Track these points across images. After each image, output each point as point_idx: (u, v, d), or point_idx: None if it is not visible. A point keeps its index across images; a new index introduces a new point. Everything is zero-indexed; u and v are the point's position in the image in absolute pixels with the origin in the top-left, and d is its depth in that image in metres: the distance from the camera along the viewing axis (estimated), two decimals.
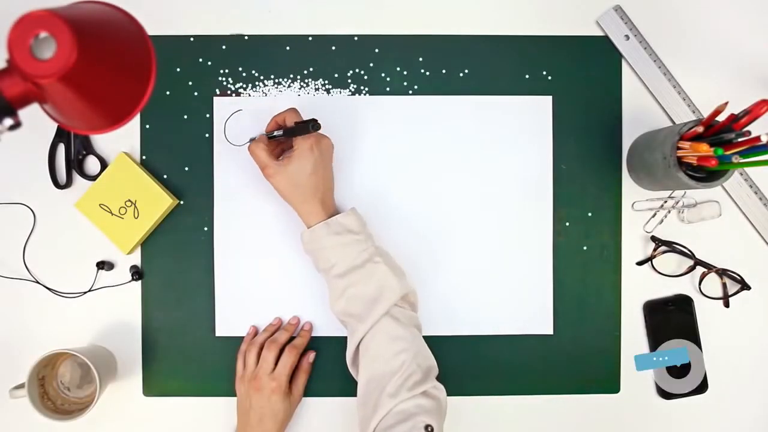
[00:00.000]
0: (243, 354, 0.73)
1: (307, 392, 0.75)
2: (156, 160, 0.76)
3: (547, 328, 0.76)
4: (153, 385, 0.76)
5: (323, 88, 0.76)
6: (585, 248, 0.76)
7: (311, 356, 0.75)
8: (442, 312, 0.76)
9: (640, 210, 0.77)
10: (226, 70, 0.76)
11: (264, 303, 0.76)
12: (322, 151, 0.67)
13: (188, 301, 0.76)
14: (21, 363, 0.70)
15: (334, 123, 0.76)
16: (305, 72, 0.76)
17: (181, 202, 0.76)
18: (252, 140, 0.72)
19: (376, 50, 0.76)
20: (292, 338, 0.75)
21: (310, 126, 0.64)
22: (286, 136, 0.68)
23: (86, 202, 0.74)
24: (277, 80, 0.76)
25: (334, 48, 0.76)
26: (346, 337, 0.75)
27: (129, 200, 0.73)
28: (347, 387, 0.76)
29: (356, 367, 0.67)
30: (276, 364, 0.71)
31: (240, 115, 0.76)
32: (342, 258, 0.65)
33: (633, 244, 0.77)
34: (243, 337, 0.75)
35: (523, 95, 0.76)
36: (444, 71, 0.76)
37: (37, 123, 0.51)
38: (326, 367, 0.76)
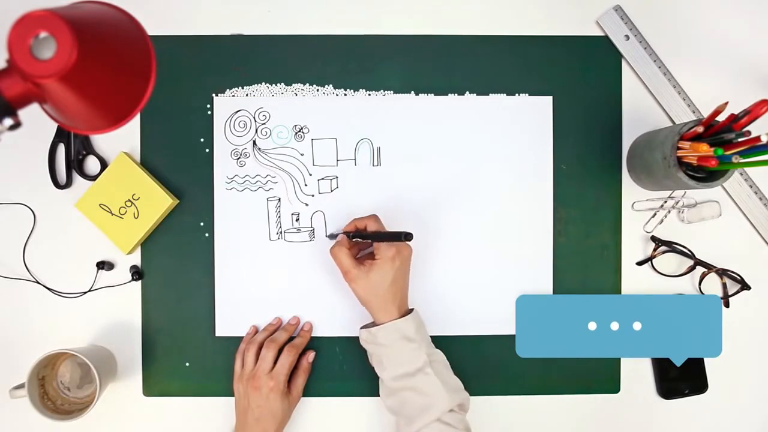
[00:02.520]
0: (242, 353, 0.73)
1: (307, 392, 0.75)
2: (156, 160, 0.76)
3: None
4: (153, 385, 0.76)
5: (323, 87, 0.76)
6: (585, 248, 0.76)
7: (310, 356, 0.75)
8: (443, 312, 0.76)
9: (640, 210, 0.77)
10: (226, 70, 0.76)
11: (264, 303, 0.76)
12: (403, 261, 0.68)
13: (188, 301, 0.76)
14: (21, 363, 0.70)
15: (333, 123, 0.76)
16: (305, 72, 0.76)
17: (181, 202, 0.76)
18: (332, 237, 0.74)
19: (376, 50, 0.76)
20: (291, 338, 0.75)
21: (403, 236, 0.64)
22: (372, 240, 0.68)
23: (86, 202, 0.74)
24: (276, 80, 0.76)
25: (334, 48, 0.76)
26: (345, 337, 0.75)
27: (129, 200, 0.73)
28: (346, 387, 0.76)
29: None
30: (275, 363, 0.71)
31: (240, 116, 0.76)
32: (395, 364, 0.66)
33: (633, 244, 0.77)
34: (242, 338, 0.75)
35: (523, 95, 0.76)
36: (444, 71, 0.76)
37: (37, 123, 0.51)
38: (326, 367, 0.76)
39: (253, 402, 0.69)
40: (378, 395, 0.73)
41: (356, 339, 0.75)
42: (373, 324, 0.69)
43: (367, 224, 0.69)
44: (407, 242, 0.66)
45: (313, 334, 0.76)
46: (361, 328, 0.70)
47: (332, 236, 0.75)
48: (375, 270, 0.67)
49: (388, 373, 0.67)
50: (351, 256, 0.68)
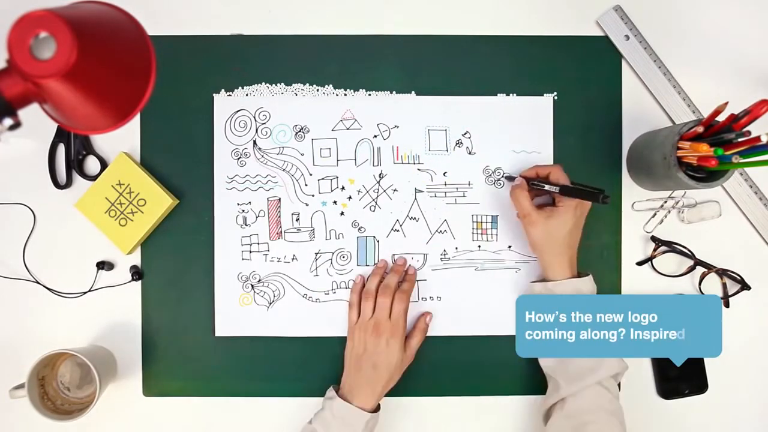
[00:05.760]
0: (356, 304, 0.73)
1: (310, 393, 0.75)
2: (156, 160, 0.76)
3: None
4: (153, 385, 0.76)
5: (323, 87, 0.76)
6: (585, 248, 0.76)
7: (428, 317, 0.75)
8: (444, 312, 0.76)
9: (640, 210, 0.77)
10: (226, 70, 0.76)
11: (264, 302, 0.76)
12: (583, 212, 0.69)
13: (188, 301, 0.76)
14: (21, 363, 0.70)
15: (333, 123, 0.76)
16: (305, 72, 0.76)
17: (181, 202, 0.76)
18: (509, 178, 0.74)
19: (376, 50, 0.76)
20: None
21: (601, 198, 0.63)
22: (563, 194, 0.68)
23: (86, 202, 0.74)
24: (276, 80, 0.76)
25: (334, 48, 0.76)
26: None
27: (129, 200, 0.73)
28: None
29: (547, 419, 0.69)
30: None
31: (240, 115, 0.76)
32: None
33: (633, 244, 0.77)
34: (242, 338, 0.75)
35: (523, 95, 0.76)
36: (444, 71, 0.76)
37: (37, 123, 0.51)
38: (328, 367, 0.75)
39: (371, 347, 0.69)
40: None
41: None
42: (544, 279, 0.70)
43: (551, 173, 0.69)
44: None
45: (317, 335, 0.76)
46: (532, 282, 0.71)
47: (510, 178, 0.74)
48: (555, 216, 0.67)
49: None
50: (531, 200, 0.69)
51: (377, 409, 0.70)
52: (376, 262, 0.76)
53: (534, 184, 0.70)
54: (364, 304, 0.73)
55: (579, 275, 0.70)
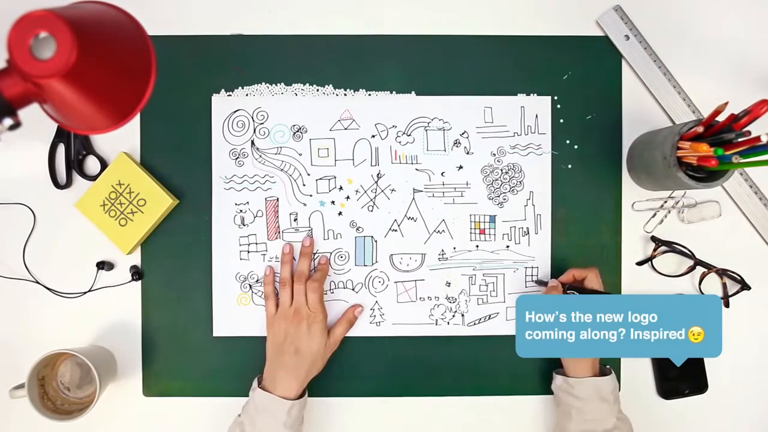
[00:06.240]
0: (272, 296, 0.74)
1: (309, 392, 0.75)
2: (156, 160, 0.76)
3: None
4: (153, 385, 0.76)
5: (323, 87, 0.76)
6: (585, 248, 0.76)
7: (358, 310, 0.75)
8: (444, 312, 0.76)
9: (640, 210, 0.77)
10: (226, 70, 0.76)
11: (262, 302, 0.76)
12: None
13: (188, 301, 0.76)
14: (21, 363, 0.70)
15: (332, 122, 0.76)
16: (305, 72, 0.76)
17: (181, 202, 0.76)
18: (539, 283, 0.75)
19: (376, 50, 0.76)
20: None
21: None
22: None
23: (86, 202, 0.74)
24: (276, 80, 0.76)
25: (334, 48, 0.76)
26: (351, 337, 0.75)
27: (129, 200, 0.73)
28: (348, 387, 0.76)
29: None
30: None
31: (238, 115, 0.76)
32: (583, 419, 0.68)
33: (633, 244, 0.77)
34: (241, 338, 0.75)
35: (523, 95, 0.76)
36: (444, 71, 0.76)
37: (37, 123, 0.51)
38: (327, 367, 0.75)
39: (293, 333, 0.70)
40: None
41: (361, 339, 0.75)
42: (564, 371, 0.71)
43: (587, 276, 0.71)
44: None
45: None
46: (555, 372, 0.72)
47: (540, 282, 0.75)
48: None
49: (573, 426, 0.68)
50: None
51: (302, 395, 0.70)
52: (374, 262, 0.76)
53: (568, 289, 0.71)
54: (281, 293, 0.73)
55: (601, 372, 0.70)
